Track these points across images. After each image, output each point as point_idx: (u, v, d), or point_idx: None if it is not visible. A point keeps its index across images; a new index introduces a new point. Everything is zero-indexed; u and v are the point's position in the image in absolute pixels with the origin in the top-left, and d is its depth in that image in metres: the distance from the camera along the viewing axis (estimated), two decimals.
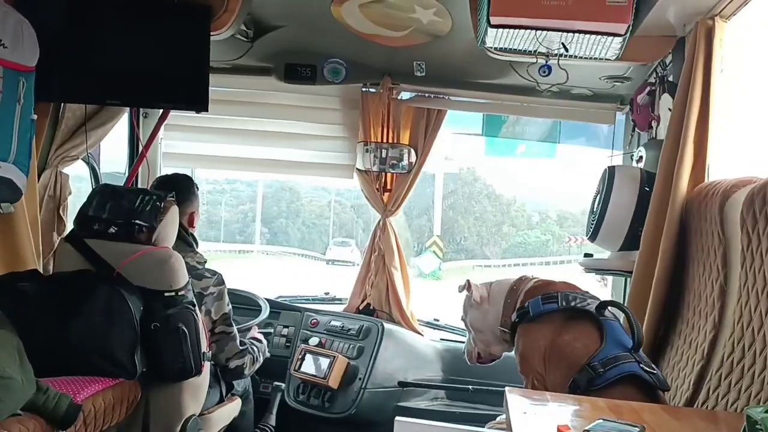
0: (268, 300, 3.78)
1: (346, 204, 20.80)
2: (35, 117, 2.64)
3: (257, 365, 3.10)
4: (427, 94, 3.78)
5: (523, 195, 20.51)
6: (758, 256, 1.86)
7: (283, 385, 3.43)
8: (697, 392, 2.05)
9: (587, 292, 2.33)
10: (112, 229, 2.57)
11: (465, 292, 2.57)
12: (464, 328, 2.66)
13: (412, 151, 3.82)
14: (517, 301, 2.39)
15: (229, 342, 2.93)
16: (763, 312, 1.80)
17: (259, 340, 3.23)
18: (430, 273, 15.70)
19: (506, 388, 1.69)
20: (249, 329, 3.47)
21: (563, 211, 20.10)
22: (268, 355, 3.22)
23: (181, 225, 2.79)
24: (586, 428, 1.24)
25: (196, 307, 2.63)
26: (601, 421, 1.32)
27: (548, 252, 19.48)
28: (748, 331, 1.86)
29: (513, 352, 2.39)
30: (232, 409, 3.11)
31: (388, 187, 3.89)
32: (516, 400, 1.59)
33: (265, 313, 3.62)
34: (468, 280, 2.53)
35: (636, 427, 1.31)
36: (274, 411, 3.48)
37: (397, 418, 1.67)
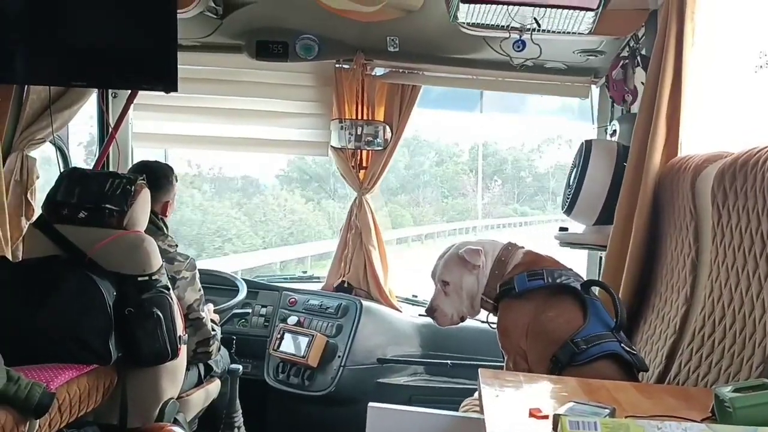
0: (245, 280, 3.75)
1: None
2: None
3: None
4: (401, 70, 3.72)
5: None
6: (728, 232, 1.87)
7: (240, 368, 3.31)
8: (669, 366, 2.07)
9: (571, 270, 2.33)
10: (81, 214, 2.53)
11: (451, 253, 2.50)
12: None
13: (387, 127, 3.78)
14: (504, 274, 2.38)
15: (202, 327, 2.91)
16: (732, 287, 1.82)
17: (216, 323, 3.15)
18: None
19: (479, 369, 1.69)
20: (228, 309, 3.45)
21: None
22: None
23: (152, 212, 2.75)
24: (557, 412, 1.25)
25: (171, 291, 2.60)
26: (572, 404, 1.33)
27: None
28: (718, 305, 1.89)
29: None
30: (211, 390, 3.11)
31: (364, 164, 3.85)
32: (489, 382, 1.59)
33: (242, 293, 3.60)
34: (480, 250, 2.42)
35: (606, 408, 1.32)
36: (236, 397, 3.33)
37: (370, 404, 1.66)
